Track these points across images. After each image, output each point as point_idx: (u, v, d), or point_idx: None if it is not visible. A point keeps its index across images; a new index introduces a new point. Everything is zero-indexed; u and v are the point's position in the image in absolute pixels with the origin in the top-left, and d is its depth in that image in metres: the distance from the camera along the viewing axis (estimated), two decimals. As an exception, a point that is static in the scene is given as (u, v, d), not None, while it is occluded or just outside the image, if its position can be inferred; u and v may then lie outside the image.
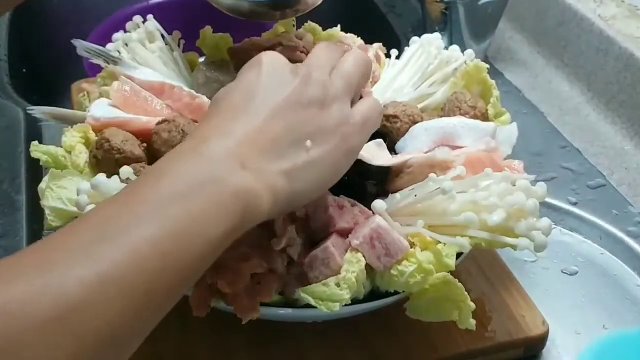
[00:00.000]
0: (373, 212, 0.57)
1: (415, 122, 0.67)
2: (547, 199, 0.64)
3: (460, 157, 0.61)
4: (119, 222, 0.39)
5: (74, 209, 0.58)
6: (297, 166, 0.49)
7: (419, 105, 0.71)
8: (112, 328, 0.37)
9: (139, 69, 0.72)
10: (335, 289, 0.53)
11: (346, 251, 0.55)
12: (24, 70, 1.11)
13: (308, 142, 0.50)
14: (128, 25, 0.76)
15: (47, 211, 0.59)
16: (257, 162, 0.47)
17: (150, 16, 0.77)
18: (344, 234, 0.57)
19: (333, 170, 0.52)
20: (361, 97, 0.58)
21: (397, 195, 0.59)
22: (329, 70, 0.54)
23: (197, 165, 0.44)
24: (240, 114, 0.49)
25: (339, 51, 0.57)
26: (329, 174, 0.52)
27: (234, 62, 0.75)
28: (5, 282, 0.35)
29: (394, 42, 1.06)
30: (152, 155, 0.65)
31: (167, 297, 0.42)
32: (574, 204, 0.81)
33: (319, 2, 0.69)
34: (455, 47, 0.76)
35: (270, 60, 0.52)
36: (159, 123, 0.65)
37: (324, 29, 0.84)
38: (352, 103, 0.55)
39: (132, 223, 0.39)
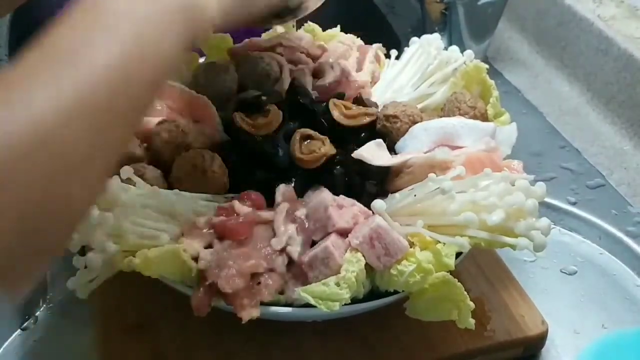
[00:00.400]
0: (373, 212, 0.58)
1: (415, 122, 0.67)
2: (547, 199, 0.64)
3: (459, 157, 0.61)
4: (74, 47, 0.39)
5: (75, 209, 0.58)
6: None
7: (419, 106, 0.71)
8: (81, 148, 0.38)
9: (140, 70, 0.72)
10: (335, 289, 0.53)
11: (346, 251, 0.56)
12: (25, 70, 1.11)
13: None
14: (128, 25, 0.76)
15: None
16: None
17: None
18: (344, 233, 0.57)
19: None
20: None
21: (397, 195, 0.60)
22: None
23: None
24: None
25: None
26: None
27: (234, 62, 0.76)
28: None
29: (394, 42, 1.06)
30: (153, 155, 0.65)
31: (130, 112, 0.41)
32: (574, 204, 0.81)
33: (315, 7, 0.69)
34: (454, 48, 0.76)
35: None
36: (159, 123, 0.65)
37: (324, 30, 0.84)
38: None
39: (88, 45, 0.39)
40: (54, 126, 0.36)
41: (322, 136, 0.63)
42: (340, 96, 0.69)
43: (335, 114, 0.65)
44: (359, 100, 0.68)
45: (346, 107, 0.66)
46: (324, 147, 0.62)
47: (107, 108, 0.39)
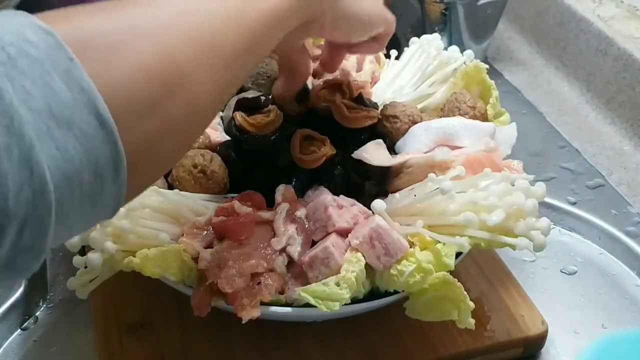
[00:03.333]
0: (373, 212, 0.58)
1: (415, 123, 0.67)
2: (546, 199, 0.64)
3: (459, 158, 0.61)
4: None
5: (75, 209, 0.58)
6: None
7: (419, 106, 0.71)
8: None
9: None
10: (335, 289, 0.53)
11: (346, 251, 0.56)
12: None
13: None
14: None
15: (47, 211, 0.59)
16: None
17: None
18: (344, 233, 0.57)
19: None
20: None
21: (397, 195, 0.60)
22: None
23: None
24: None
25: None
26: None
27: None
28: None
29: (394, 42, 1.06)
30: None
31: (237, 56, 0.44)
32: (573, 204, 0.81)
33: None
34: (454, 48, 0.76)
35: None
36: (159, 123, 0.65)
37: (323, 30, 0.84)
38: None
39: None
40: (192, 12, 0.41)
41: (322, 136, 0.63)
42: (339, 86, 0.69)
43: (337, 115, 0.65)
44: (360, 100, 0.68)
45: (348, 107, 0.66)
46: (324, 148, 0.62)
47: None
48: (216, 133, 0.67)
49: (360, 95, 0.69)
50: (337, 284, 0.53)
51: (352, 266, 0.54)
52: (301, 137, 0.63)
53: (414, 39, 0.78)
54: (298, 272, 0.56)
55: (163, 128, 0.38)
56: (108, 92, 0.34)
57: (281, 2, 0.47)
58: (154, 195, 0.58)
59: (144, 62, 0.37)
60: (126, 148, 0.35)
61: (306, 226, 0.58)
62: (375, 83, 0.77)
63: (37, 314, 0.68)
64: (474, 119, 0.67)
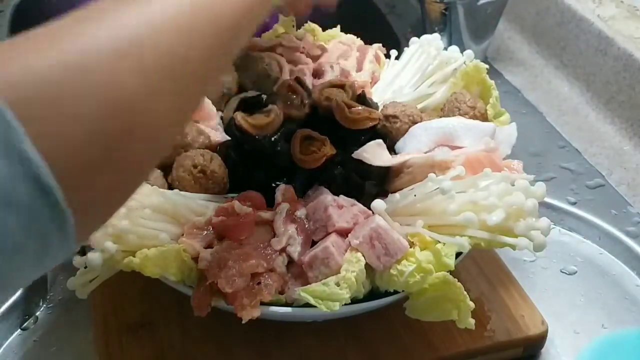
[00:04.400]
0: (373, 212, 0.58)
1: (415, 123, 0.67)
2: (546, 199, 0.64)
3: (459, 158, 0.61)
4: None
5: (75, 209, 0.58)
6: None
7: (419, 106, 0.71)
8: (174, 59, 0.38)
9: (140, 70, 0.72)
10: (335, 289, 0.53)
11: (346, 251, 0.56)
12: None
13: None
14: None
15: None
16: None
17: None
18: (344, 233, 0.57)
19: None
20: None
21: (397, 195, 0.60)
22: None
23: None
24: None
25: None
26: None
27: (234, 62, 0.76)
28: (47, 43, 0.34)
29: (394, 42, 1.06)
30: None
31: (202, 62, 0.41)
32: (573, 204, 0.81)
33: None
34: (454, 48, 0.76)
35: None
36: (159, 123, 0.65)
37: (324, 30, 0.84)
38: None
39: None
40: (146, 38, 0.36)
41: (322, 137, 0.63)
42: (339, 86, 0.69)
43: (338, 116, 0.65)
44: (362, 99, 0.68)
45: (349, 106, 0.66)
46: (325, 148, 0.62)
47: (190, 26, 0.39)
48: (216, 133, 0.67)
49: (362, 93, 0.69)
50: (337, 284, 0.53)
51: (352, 266, 0.54)
52: (301, 137, 0.63)
53: (414, 39, 0.78)
54: (298, 272, 0.56)
55: (117, 178, 0.36)
56: (51, 154, 0.32)
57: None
58: (154, 195, 0.58)
59: (90, 114, 0.33)
60: (73, 206, 0.33)
61: (306, 226, 0.58)
62: (375, 83, 0.77)
63: (37, 314, 0.69)
64: (474, 119, 0.67)
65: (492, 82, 0.73)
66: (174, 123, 0.40)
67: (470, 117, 0.67)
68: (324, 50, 0.80)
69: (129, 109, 0.35)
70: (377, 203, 0.57)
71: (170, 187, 0.62)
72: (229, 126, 0.66)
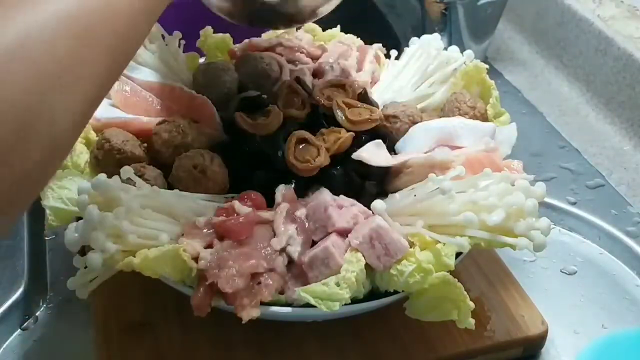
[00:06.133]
0: (373, 212, 0.58)
1: (415, 123, 0.67)
2: (546, 199, 0.64)
3: (459, 158, 0.61)
4: None
5: (75, 208, 0.58)
6: None
7: (419, 106, 0.72)
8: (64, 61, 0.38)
9: (139, 70, 0.72)
10: (335, 289, 0.53)
11: (346, 251, 0.56)
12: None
13: None
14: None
15: (47, 211, 0.59)
16: None
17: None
18: (344, 234, 0.57)
19: None
20: None
21: (397, 195, 0.60)
22: None
23: None
24: None
25: None
26: None
27: (234, 62, 0.76)
28: None
29: (394, 42, 1.06)
30: (153, 155, 0.65)
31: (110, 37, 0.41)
32: (573, 204, 0.81)
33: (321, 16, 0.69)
34: (454, 48, 0.76)
35: None
36: (159, 123, 0.65)
37: (324, 30, 0.84)
38: None
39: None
40: (36, 39, 0.36)
41: (318, 143, 0.63)
42: (340, 85, 0.68)
43: (339, 117, 0.65)
44: (364, 98, 0.68)
45: (350, 105, 0.65)
46: (319, 158, 0.62)
47: (85, 28, 0.39)
48: (216, 133, 0.67)
49: (364, 91, 0.69)
50: (337, 284, 0.53)
51: (352, 266, 0.54)
52: (296, 141, 0.63)
53: (414, 39, 0.78)
54: (298, 272, 0.56)
55: (18, 176, 0.36)
56: None
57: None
58: (154, 196, 0.58)
59: None
60: None
61: (306, 226, 0.58)
62: (375, 83, 0.77)
63: (37, 314, 0.68)
64: (474, 119, 0.67)
65: (492, 82, 0.73)
66: (73, 124, 0.39)
67: (470, 117, 0.67)
68: (324, 50, 0.80)
69: (22, 109, 0.35)
70: (377, 203, 0.57)
71: (170, 187, 0.62)
72: (229, 126, 0.66)
